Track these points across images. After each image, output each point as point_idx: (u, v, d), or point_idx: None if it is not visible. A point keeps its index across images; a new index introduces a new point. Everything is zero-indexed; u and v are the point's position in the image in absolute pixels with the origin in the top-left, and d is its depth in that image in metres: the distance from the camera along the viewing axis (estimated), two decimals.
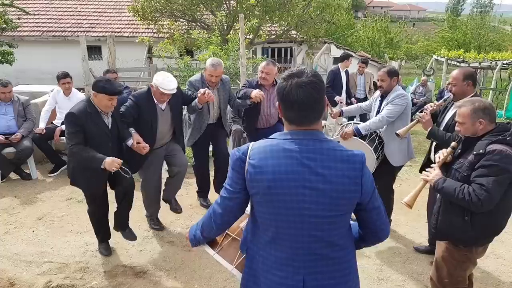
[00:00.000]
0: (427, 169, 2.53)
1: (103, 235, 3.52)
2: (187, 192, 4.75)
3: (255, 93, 3.93)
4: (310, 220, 1.44)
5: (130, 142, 3.33)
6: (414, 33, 37.12)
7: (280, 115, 1.51)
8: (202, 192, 4.55)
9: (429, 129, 3.21)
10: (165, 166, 3.93)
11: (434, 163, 2.56)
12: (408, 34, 32.41)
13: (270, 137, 1.51)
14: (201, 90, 3.67)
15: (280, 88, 1.45)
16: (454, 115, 3.12)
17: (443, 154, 2.51)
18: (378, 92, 4.12)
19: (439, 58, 12.61)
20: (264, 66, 4.24)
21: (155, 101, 3.52)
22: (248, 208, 1.66)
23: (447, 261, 2.47)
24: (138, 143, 3.33)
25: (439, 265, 2.54)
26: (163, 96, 3.41)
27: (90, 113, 3.01)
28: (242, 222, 1.78)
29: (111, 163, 2.93)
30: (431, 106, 3.34)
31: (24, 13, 11.53)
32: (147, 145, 3.37)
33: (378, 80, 3.98)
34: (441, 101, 3.42)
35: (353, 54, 15.96)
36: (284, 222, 1.45)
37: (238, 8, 10.59)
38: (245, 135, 4.72)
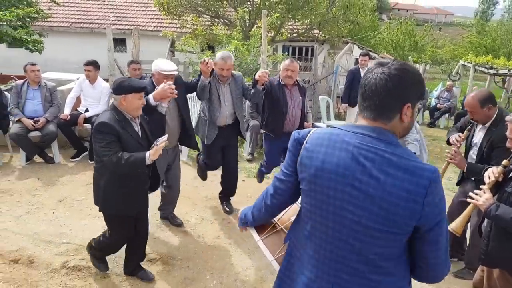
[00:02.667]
0: (476, 191, 2.29)
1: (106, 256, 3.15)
2: (203, 184, 4.82)
3: (259, 72, 3.78)
4: (351, 225, 1.29)
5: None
6: (440, 37, 36.43)
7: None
8: (203, 169, 4.38)
9: (465, 168, 2.95)
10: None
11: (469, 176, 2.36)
12: (434, 38, 31.83)
13: (337, 126, 1.39)
14: (201, 60, 3.56)
15: (364, 76, 1.34)
16: (485, 135, 3.01)
17: (493, 174, 2.30)
18: None
19: (466, 63, 12.36)
20: (289, 64, 4.06)
21: None
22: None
23: None
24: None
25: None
26: (167, 78, 3.29)
27: (120, 121, 2.66)
28: (293, 216, 1.67)
29: (155, 151, 2.61)
30: (457, 141, 3.08)
31: (54, 4, 11.86)
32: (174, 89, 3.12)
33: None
34: (465, 132, 3.13)
35: (375, 55, 15.85)
36: (322, 218, 1.34)
37: (261, 5, 10.62)
38: (262, 130, 4.55)
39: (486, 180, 2.30)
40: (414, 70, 1.30)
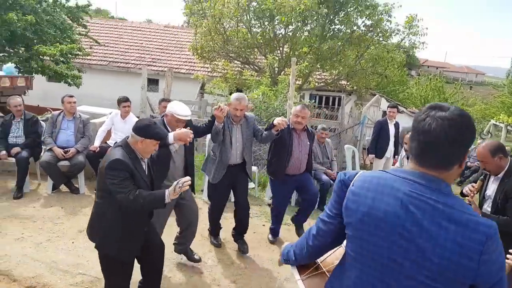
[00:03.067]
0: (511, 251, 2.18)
1: None
2: (223, 226, 4.74)
3: (279, 119, 3.87)
4: (399, 278, 1.21)
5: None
6: (470, 95, 36.19)
7: (407, 147, 1.40)
8: (213, 232, 4.41)
9: None
10: (173, 214, 3.77)
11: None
12: (464, 96, 31.65)
13: (386, 170, 1.34)
14: (215, 106, 3.67)
15: (416, 118, 1.28)
16: (499, 186, 3.03)
17: None
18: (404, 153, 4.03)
19: (497, 123, 12.18)
20: (300, 110, 4.18)
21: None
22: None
23: None
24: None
25: None
26: (179, 123, 3.37)
27: (132, 159, 2.61)
28: (338, 260, 1.60)
29: (175, 192, 2.55)
30: (471, 191, 3.07)
31: (96, 44, 12.60)
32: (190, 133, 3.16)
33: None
34: (479, 182, 3.15)
35: (404, 109, 15.83)
36: (368, 267, 1.27)
37: (290, 54, 10.95)
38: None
39: None
40: (468, 113, 1.26)
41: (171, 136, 3.16)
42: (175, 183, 2.58)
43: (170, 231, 3.84)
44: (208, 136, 4.45)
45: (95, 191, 5.45)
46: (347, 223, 1.34)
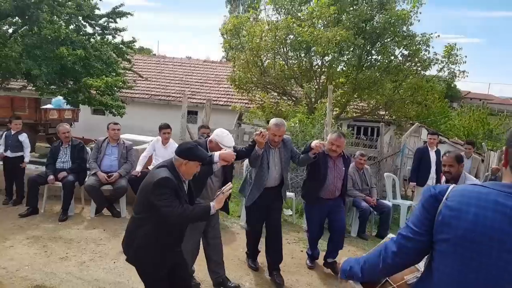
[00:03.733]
0: None
1: None
2: (261, 251, 4.68)
3: (316, 142, 3.86)
4: None
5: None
6: None
7: (503, 163, 1.33)
8: (251, 255, 4.38)
9: None
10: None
11: None
12: (510, 128, 30.34)
13: (481, 184, 1.32)
14: (257, 132, 3.71)
15: None
16: None
17: None
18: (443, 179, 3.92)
19: None
20: (336, 139, 4.16)
21: None
22: (420, 264, 1.51)
23: None
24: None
25: None
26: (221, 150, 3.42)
27: (176, 179, 2.69)
28: (408, 275, 1.61)
29: (220, 200, 2.71)
30: None
31: (139, 77, 13.26)
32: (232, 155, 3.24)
33: (444, 166, 3.83)
34: None
35: (446, 139, 15.31)
36: (471, 284, 1.24)
37: (327, 84, 11.00)
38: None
39: None
40: None
41: (216, 154, 3.23)
42: (218, 192, 2.67)
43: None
44: (246, 161, 4.49)
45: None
46: (443, 239, 1.29)
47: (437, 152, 6.88)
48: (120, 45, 11.74)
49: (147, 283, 2.80)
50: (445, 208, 1.29)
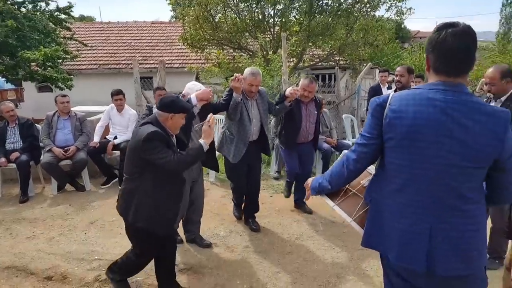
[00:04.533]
0: None
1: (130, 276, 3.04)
2: (231, 202, 4.75)
3: (290, 90, 3.86)
4: (446, 169, 1.45)
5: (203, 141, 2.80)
6: None
7: (426, 68, 1.56)
8: (237, 205, 4.44)
9: None
10: None
11: None
12: None
13: (417, 87, 1.57)
14: (232, 78, 3.62)
15: (432, 38, 1.50)
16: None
17: None
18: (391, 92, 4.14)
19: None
20: (308, 84, 4.19)
21: None
22: (371, 167, 1.79)
23: None
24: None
25: None
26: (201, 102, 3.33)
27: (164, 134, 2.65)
28: (363, 179, 1.86)
29: (207, 133, 2.73)
30: None
31: (83, 46, 12.50)
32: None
33: (396, 76, 4.22)
34: None
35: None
36: (417, 169, 1.48)
37: (281, 34, 10.88)
38: (276, 141, 4.66)
39: None
40: None
41: (193, 96, 3.19)
42: (200, 125, 2.78)
43: None
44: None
45: (101, 186, 5.49)
46: (390, 138, 1.53)
47: (389, 89, 7.08)
48: (56, 12, 10.87)
49: (142, 242, 2.76)
50: (390, 111, 1.51)
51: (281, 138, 4.49)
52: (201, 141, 2.72)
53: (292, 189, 4.75)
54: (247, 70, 3.88)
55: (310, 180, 1.94)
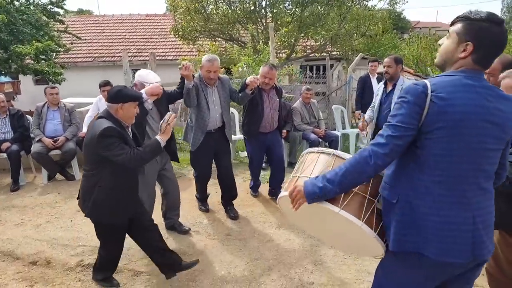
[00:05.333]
0: None
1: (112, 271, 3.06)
2: (216, 190, 4.85)
3: (250, 78, 3.89)
4: (485, 154, 1.48)
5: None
6: None
7: (465, 54, 1.51)
8: (201, 199, 4.47)
9: None
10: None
11: None
12: None
13: (444, 73, 1.56)
14: (180, 66, 3.60)
15: (483, 28, 1.48)
16: None
17: None
18: (381, 84, 4.27)
19: None
20: (268, 71, 4.20)
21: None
22: (341, 153, 1.74)
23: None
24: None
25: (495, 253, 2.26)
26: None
27: (119, 127, 2.64)
28: None
29: (165, 130, 2.72)
30: None
31: (77, 39, 12.53)
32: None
33: (384, 67, 4.26)
34: None
35: None
36: (462, 157, 1.47)
37: (273, 25, 10.90)
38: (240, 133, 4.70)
39: None
40: None
41: (142, 92, 3.25)
42: (161, 122, 2.74)
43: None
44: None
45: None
46: (439, 128, 1.46)
47: (379, 79, 7.11)
48: (49, 6, 10.90)
49: (104, 235, 2.86)
50: (438, 99, 1.45)
51: (244, 128, 4.46)
52: (158, 137, 2.71)
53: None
54: (204, 57, 3.89)
55: (299, 186, 1.66)
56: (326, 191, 1.58)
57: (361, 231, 1.62)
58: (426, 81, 1.49)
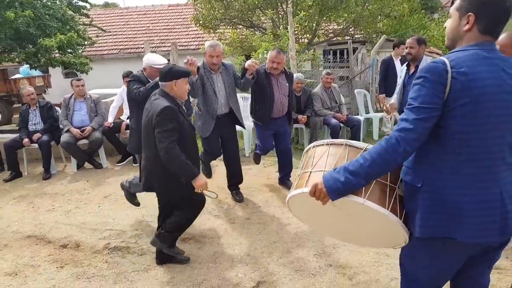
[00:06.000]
0: None
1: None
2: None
3: (248, 62, 3.87)
4: (508, 127, 1.44)
5: None
6: None
7: (469, 25, 1.48)
8: (206, 163, 4.49)
9: None
10: None
11: None
12: None
13: (458, 49, 1.50)
14: (185, 60, 3.61)
15: None
16: None
17: None
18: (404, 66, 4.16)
19: None
20: (276, 56, 4.16)
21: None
22: (353, 142, 1.68)
23: None
24: None
25: None
26: (157, 72, 3.41)
27: (176, 105, 2.78)
28: None
29: (203, 184, 2.79)
30: None
31: (102, 32, 12.82)
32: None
33: (406, 48, 4.19)
34: None
35: None
36: (487, 132, 1.42)
37: (294, 9, 10.75)
38: (251, 119, 4.72)
39: None
40: None
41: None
42: (205, 192, 2.86)
43: None
44: None
45: (117, 164, 5.78)
46: (464, 104, 1.40)
47: (402, 61, 6.94)
48: (74, 0, 11.19)
49: (184, 209, 3.01)
50: (459, 75, 1.39)
51: (256, 114, 4.45)
52: (199, 177, 2.77)
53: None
54: (206, 43, 3.95)
55: (319, 183, 1.57)
56: (350, 185, 1.51)
57: (387, 220, 1.56)
58: (444, 58, 1.44)
